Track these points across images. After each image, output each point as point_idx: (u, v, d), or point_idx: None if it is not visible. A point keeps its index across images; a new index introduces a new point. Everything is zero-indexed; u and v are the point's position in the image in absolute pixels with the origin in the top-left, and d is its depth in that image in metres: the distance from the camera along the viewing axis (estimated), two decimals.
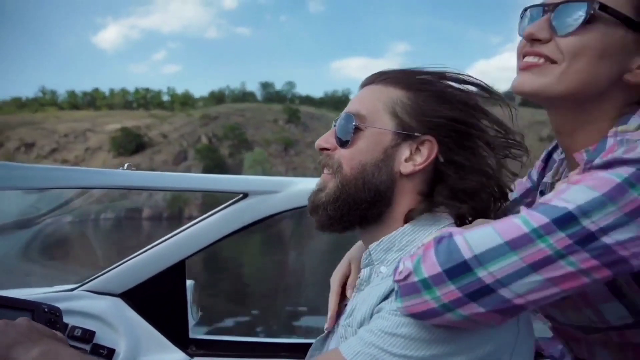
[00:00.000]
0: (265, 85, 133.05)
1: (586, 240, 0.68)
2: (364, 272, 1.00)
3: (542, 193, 1.02)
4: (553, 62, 0.85)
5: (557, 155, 1.06)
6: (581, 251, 0.68)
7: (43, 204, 1.98)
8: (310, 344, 1.13)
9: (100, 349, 1.64)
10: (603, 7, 0.81)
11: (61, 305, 1.64)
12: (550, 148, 1.11)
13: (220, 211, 1.79)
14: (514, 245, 0.70)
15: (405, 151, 0.96)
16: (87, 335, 1.64)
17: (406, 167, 0.95)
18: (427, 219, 0.96)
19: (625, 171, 0.68)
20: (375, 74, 1.03)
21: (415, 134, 0.94)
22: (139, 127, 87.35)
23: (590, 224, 0.67)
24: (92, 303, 1.75)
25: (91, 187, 1.84)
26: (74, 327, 1.63)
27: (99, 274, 1.84)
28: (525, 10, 0.92)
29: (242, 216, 1.77)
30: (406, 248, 0.94)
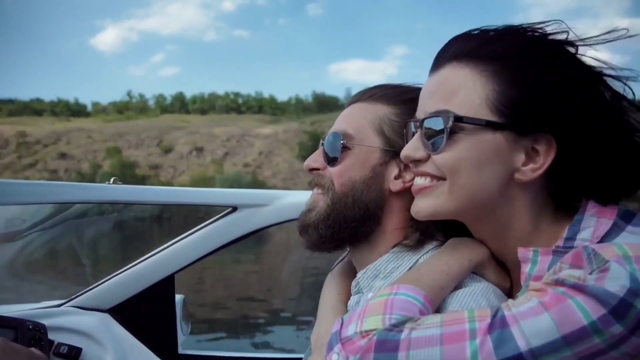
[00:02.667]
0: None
1: None
2: (353, 299, 1.00)
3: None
4: (441, 178, 0.82)
5: None
6: None
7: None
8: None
9: None
10: (458, 119, 0.77)
11: (47, 322, 1.62)
12: None
13: (209, 225, 1.77)
14: None
15: (394, 169, 0.95)
16: (74, 352, 1.62)
17: (396, 185, 0.95)
18: (407, 245, 0.96)
19: (596, 312, 0.63)
20: (361, 91, 1.02)
21: None
22: (322, 131, 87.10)
23: None
24: (79, 319, 1.73)
25: (77, 201, 1.83)
26: (60, 344, 1.61)
27: (87, 289, 1.82)
28: (408, 123, 0.91)
29: (231, 230, 1.76)
30: (392, 274, 0.94)
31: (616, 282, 0.64)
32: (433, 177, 0.83)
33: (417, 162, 0.84)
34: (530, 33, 0.80)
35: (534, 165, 0.78)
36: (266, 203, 1.73)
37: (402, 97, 0.97)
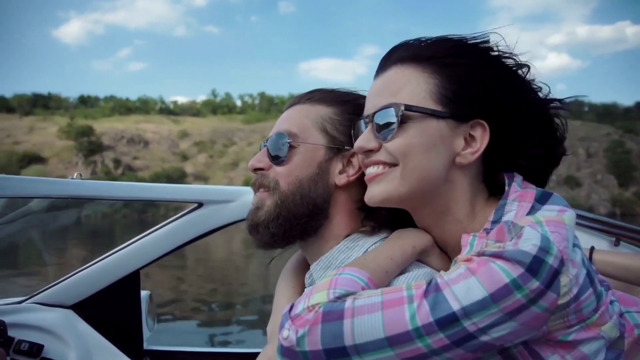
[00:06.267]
0: None
1: (464, 340, 0.73)
2: (307, 291, 1.02)
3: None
4: (393, 164, 0.90)
5: None
6: (457, 349, 0.74)
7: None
8: None
9: None
10: (408, 108, 0.87)
11: (7, 319, 1.60)
12: None
13: (175, 221, 1.78)
14: (394, 341, 0.74)
15: (338, 164, 1.01)
16: (35, 349, 1.60)
17: (340, 179, 1.00)
18: (362, 233, 1.00)
19: (515, 270, 0.72)
20: (298, 96, 1.08)
21: (346, 147, 1.00)
22: None
23: (470, 325, 0.72)
24: (42, 315, 1.71)
25: (40, 196, 1.81)
26: (21, 341, 1.59)
27: (50, 285, 1.80)
28: (357, 122, 0.99)
29: (197, 226, 1.76)
30: (343, 264, 0.97)
31: (529, 242, 0.74)
32: (385, 164, 0.91)
33: (369, 152, 0.92)
34: (458, 39, 0.93)
35: (471, 149, 0.89)
36: (231, 199, 1.75)
37: (340, 99, 1.03)
